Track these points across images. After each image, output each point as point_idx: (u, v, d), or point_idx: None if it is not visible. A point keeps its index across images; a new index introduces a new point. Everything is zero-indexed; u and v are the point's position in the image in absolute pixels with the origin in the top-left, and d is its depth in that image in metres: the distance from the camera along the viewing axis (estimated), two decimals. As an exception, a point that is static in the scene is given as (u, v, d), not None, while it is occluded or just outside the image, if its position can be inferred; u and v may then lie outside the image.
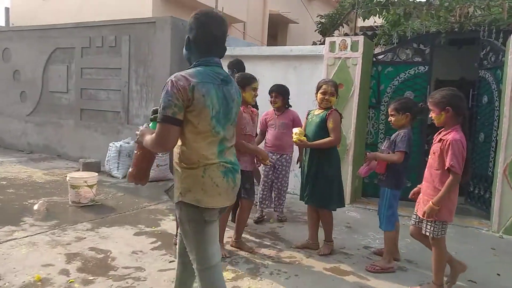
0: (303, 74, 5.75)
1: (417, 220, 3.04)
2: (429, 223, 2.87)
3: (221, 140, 1.96)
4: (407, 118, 3.36)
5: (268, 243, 3.84)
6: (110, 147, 6.49)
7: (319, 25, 8.85)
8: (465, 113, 2.85)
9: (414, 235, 3.11)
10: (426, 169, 2.98)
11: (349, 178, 5.31)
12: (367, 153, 3.49)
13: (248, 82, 3.49)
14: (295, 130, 3.63)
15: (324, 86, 3.57)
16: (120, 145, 6.46)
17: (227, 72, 2.30)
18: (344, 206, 3.87)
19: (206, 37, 1.98)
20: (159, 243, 3.71)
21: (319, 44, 6.99)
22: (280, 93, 4.35)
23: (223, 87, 1.98)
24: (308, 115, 3.78)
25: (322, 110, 3.61)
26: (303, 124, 3.86)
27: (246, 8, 11.56)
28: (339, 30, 8.86)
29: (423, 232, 2.93)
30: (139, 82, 6.91)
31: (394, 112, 3.39)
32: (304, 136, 3.59)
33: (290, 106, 4.48)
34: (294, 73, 5.82)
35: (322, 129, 3.54)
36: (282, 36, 13.49)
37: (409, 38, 5.96)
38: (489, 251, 3.93)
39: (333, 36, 7.02)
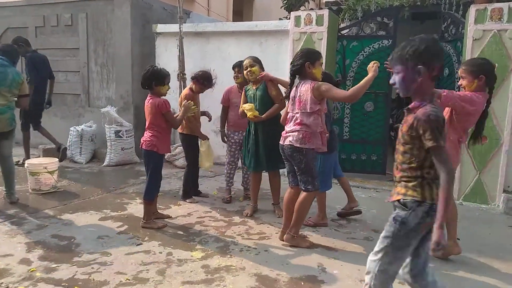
0: (269, 50, 5.67)
1: None
2: None
3: None
4: None
5: (238, 221, 3.83)
6: (71, 132, 6.22)
7: (284, 1, 8.73)
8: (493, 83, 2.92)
9: None
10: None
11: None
12: None
13: (316, 57, 3.19)
14: (246, 106, 3.75)
15: (244, 62, 3.89)
16: (82, 129, 6.20)
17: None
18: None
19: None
20: (126, 226, 3.62)
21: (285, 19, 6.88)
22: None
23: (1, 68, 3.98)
24: (246, 91, 3.98)
25: (257, 84, 3.88)
26: (241, 100, 3.99)
27: (210, -17, 11.23)
28: (304, 6, 8.77)
29: None
30: (99, 63, 6.61)
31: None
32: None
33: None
34: (260, 49, 5.72)
35: (267, 100, 3.82)
36: (248, 13, 13.24)
37: (373, 12, 5.96)
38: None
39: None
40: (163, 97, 3.60)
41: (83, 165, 6.03)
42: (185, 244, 3.26)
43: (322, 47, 5.18)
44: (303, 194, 3.22)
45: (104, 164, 6.00)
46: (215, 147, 4.88)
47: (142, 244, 3.25)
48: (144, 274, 2.76)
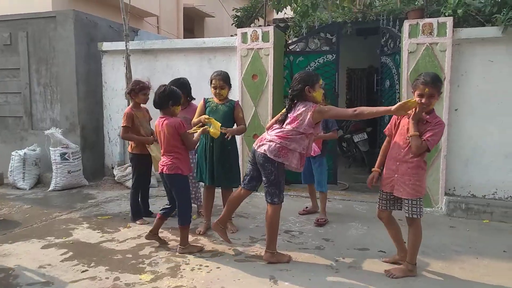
0: (218, 66, 5.66)
1: (389, 204, 3.07)
2: (414, 204, 2.90)
3: None
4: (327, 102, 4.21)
5: (190, 240, 3.73)
6: (13, 156, 5.89)
7: (235, 19, 8.87)
8: None
9: (384, 218, 3.14)
10: (401, 150, 2.91)
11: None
12: None
13: (316, 80, 3.16)
14: (217, 125, 3.53)
15: (213, 81, 3.81)
16: (25, 153, 5.89)
17: None
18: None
19: None
20: (71, 253, 3.44)
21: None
22: None
23: None
24: (206, 102, 3.90)
25: (223, 100, 3.86)
26: (198, 110, 3.87)
27: (158, 1, 11.18)
28: (254, 23, 8.96)
29: (408, 215, 2.93)
30: (42, 83, 6.34)
31: (324, 98, 3.91)
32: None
33: (193, 98, 4.41)
34: (209, 66, 5.75)
35: (230, 118, 3.83)
36: (199, 30, 13.30)
37: (316, 28, 6.19)
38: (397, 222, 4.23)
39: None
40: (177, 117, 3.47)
41: (26, 191, 5.70)
42: (133, 267, 3.15)
43: (269, 63, 5.30)
44: (270, 208, 3.18)
45: (50, 189, 5.70)
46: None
47: (88, 270, 3.10)
48: (89, 302, 2.63)
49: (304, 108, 3.07)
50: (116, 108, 6.31)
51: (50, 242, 3.71)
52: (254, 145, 3.25)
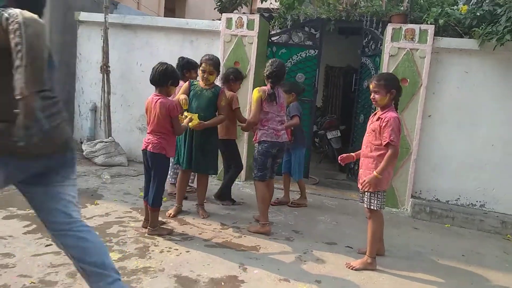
0: (200, 49, 5.59)
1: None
2: (372, 196, 3.08)
3: None
4: (293, 96, 4.46)
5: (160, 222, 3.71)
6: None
7: (218, 3, 8.72)
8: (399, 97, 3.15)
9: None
10: (364, 147, 3.15)
11: (245, 156, 5.38)
12: None
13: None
14: (192, 117, 3.57)
15: (203, 65, 3.77)
16: None
17: None
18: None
19: None
20: (34, 226, 3.30)
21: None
22: None
23: None
24: (191, 84, 3.85)
25: (210, 86, 3.82)
26: (182, 91, 3.81)
27: (141, -24, 10.81)
28: (238, 10, 8.85)
29: (367, 207, 3.12)
30: (11, 47, 6.01)
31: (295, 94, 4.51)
32: (195, 108, 3.73)
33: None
34: (191, 48, 5.64)
35: (213, 104, 3.80)
36: (180, 11, 12.98)
37: (301, 22, 6.19)
38: (364, 220, 4.34)
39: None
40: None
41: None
42: (101, 245, 3.07)
43: (252, 51, 5.27)
44: (272, 181, 3.82)
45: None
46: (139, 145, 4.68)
47: (52, 244, 2.98)
48: (52, 277, 2.54)
49: (282, 95, 3.74)
50: (89, 82, 6.09)
51: (12, 213, 3.55)
52: (274, 140, 3.58)
